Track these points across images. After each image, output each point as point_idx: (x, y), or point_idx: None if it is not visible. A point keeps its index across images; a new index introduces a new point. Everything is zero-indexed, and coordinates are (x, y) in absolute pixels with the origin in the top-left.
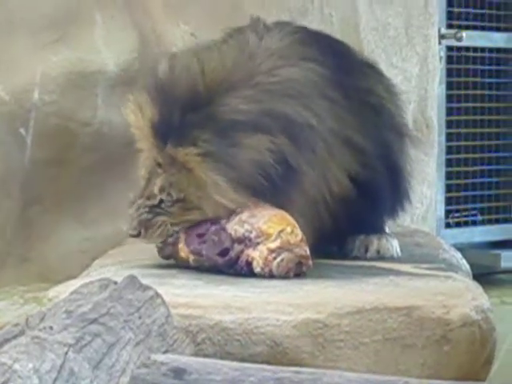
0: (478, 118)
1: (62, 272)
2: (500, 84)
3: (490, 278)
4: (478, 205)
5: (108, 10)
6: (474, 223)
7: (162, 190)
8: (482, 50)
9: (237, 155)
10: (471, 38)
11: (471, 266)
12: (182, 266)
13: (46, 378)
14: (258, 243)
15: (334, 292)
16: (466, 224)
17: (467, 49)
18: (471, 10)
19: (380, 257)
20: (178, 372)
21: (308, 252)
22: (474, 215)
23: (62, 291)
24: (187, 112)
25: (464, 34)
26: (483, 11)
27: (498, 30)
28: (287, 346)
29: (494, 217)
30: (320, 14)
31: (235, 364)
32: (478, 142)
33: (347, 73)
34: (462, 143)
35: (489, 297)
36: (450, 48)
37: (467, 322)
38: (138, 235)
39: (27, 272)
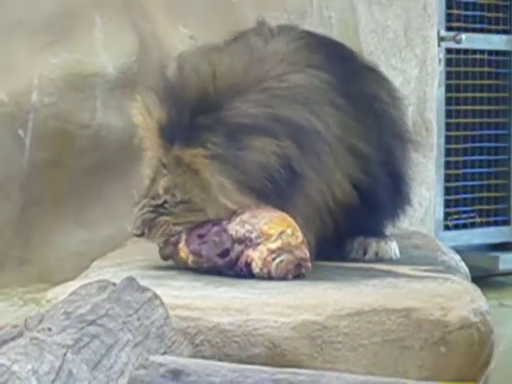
0: (477, 120)
1: (61, 273)
2: (499, 86)
3: (489, 281)
4: (477, 207)
5: (107, 13)
6: (473, 225)
7: (166, 190)
8: (481, 52)
9: (243, 158)
10: (470, 41)
11: (470, 268)
12: (181, 267)
13: (44, 379)
14: (259, 243)
15: (333, 294)
16: (464, 226)
17: (466, 51)
18: (470, 13)
19: (378, 259)
20: (176, 373)
21: (308, 255)
22: (473, 217)
23: (61, 293)
24: (197, 114)
25: (463, 36)
26: (482, 13)
27: (497, 32)
28: (285, 348)
29: (492, 219)
30: (319, 15)
31: (233, 366)
32: (476, 145)
33: (352, 78)
34: (461, 146)
35: (487, 299)
36: (449, 50)
37: (465, 324)
38: (141, 234)
39: (26, 273)
